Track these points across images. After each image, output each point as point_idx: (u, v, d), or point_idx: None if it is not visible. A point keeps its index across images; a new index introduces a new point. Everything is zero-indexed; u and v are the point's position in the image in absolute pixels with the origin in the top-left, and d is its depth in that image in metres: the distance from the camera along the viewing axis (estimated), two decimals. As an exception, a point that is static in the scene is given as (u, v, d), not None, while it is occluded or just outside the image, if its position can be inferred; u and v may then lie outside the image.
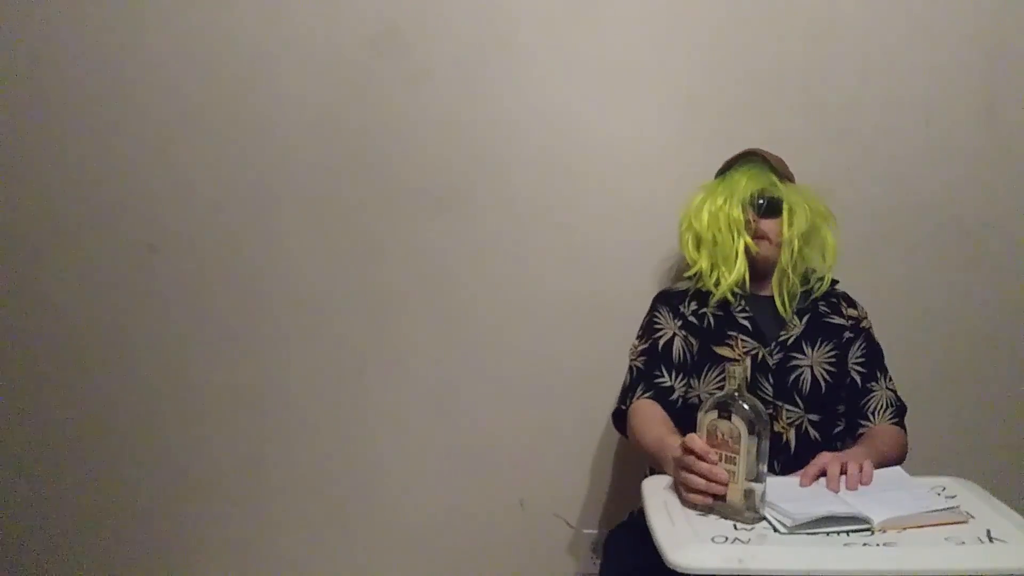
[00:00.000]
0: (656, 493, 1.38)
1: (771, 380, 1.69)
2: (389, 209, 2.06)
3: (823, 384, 1.70)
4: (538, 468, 2.15)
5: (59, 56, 2.01)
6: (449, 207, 2.06)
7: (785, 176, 1.79)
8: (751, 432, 1.28)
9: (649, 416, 1.64)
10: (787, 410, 1.68)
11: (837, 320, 1.77)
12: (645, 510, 1.33)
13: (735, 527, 1.25)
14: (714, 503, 1.30)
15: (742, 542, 1.19)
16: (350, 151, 2.04)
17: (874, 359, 1.76)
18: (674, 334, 1.74)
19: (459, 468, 2.14)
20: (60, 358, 2.10)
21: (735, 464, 1.28)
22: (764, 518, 1.28)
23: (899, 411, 1.73)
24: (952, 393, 2.07)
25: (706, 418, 1.32)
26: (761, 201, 1.73)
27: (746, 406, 1.29)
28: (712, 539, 1.20)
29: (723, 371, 1.68)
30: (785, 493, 1.34)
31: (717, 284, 1.73)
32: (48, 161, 2.04)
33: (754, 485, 1.28)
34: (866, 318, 1.80)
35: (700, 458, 1.30)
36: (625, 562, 1.66)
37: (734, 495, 1.28)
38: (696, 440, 1.32)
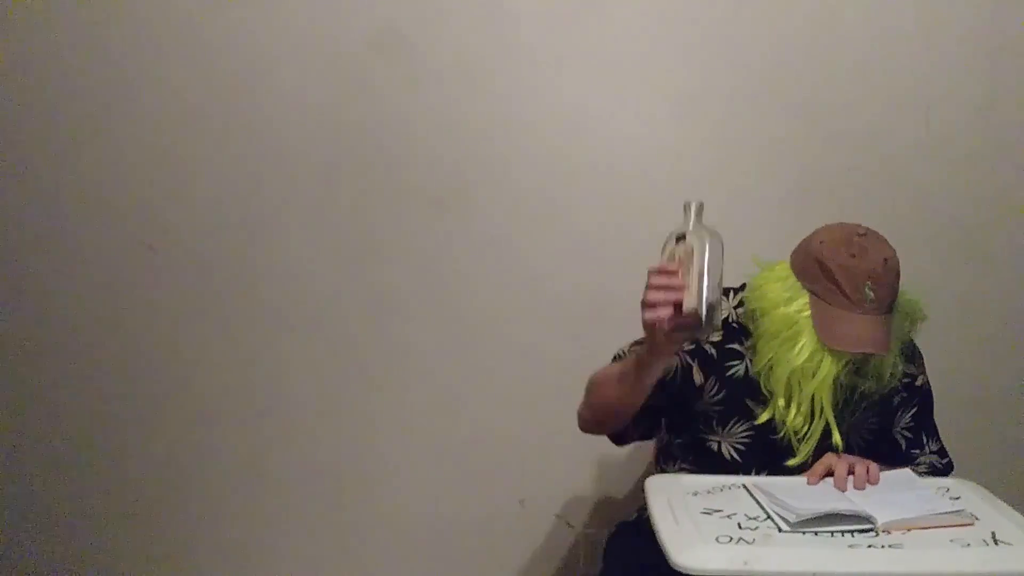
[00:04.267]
0: (659, 492, 1.38)
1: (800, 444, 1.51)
2: (389, 209, 2.06)
3: (856, 452, 1.51)
4: (538, 468, 2.15)
5: (58, 55, 2.01)
6: (450, 207, 2.06)
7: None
8: (702, 247, 1.28)
9: (604, 368, 1.56)
10: None
11: (891, 383, 1.55)
12: (649, 510, 1.33)
13: (739, 526, 1.25)
14: (673, 315, 1.28)
15: (747, 543, 1.19)
16: (350, 151, 2.04)
17: (923, 422, 1.62)
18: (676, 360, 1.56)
19: (459, 468, 2.14)
20: (60, 358, 2.09)
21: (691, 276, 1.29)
22: (719, 329, 1.34)
23: (935, 471, 1.59)
24: (954, 394, 2.07)
25: (666, 249, 1.34)
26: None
27: (701, 228, 1.30)
28: (716, 539, 1.20)
29: (751, 427, 1.53)
30: (790, 491, 1.34)
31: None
32: (48, 161, 2.03)
33: (709, 292, 1.27)
34: (923, 372, 1.62)
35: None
36: (627, 562, 1.64)
37: (689, 301, 1.27)
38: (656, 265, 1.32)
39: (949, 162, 2.08)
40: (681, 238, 1.32)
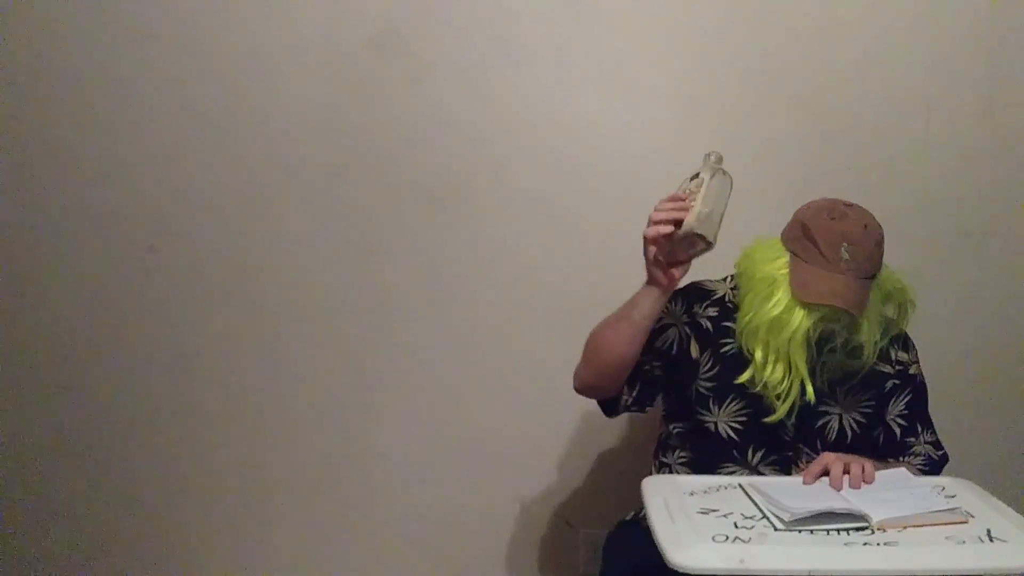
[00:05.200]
0: (656, 492, 1.38)
1: (794, 422, 1.57)
2: (389, 209, 2.06)
3: (850, 433, 1.59)
4: (538, 468, 2.15)
5: (59, 56, 2.01)
6: (449, 206, 2.06)
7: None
8: (710, 177, 1.42)
9: (598, 326, 1.59)
10: (807, 454, 1.58)
11: (883, 368, 1.61)
12: (645, 509, 1.33)
13: (735, 525, 1.24)
14: (673, 231, 1.39)
15: (743, 541, 1.18)
16: (350, 151, 2.05)
17: (917, 410, 1.65)
18: (673, 324, 1.63)
19: (459, 468, 2.15)
20: (60, 358, 2.10)
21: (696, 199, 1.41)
22: (712, 244, 1.40)
23: (931, 462, 1.63)
24: (952, 392, 2.07)
25: (680, 187, 1.45)
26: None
27: (714, 167, 1.43)
28: (713, 538, 1.19)
29: (747, 404, 1.57)
30: (786, 490, 1.34)
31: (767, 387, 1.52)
32: (48, 161, 2.04)
33: (712, 210, 1.39)
34: (916, 363, 1.66)
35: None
36: (626, 562, 1.65)
37: (691, 217, 1.38)
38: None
39: (949, 162, 2.08)
40: (695, 176, 1.44)
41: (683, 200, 1.41)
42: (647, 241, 1.44)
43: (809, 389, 1.50)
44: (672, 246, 1.43)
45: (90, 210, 2.05)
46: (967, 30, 2.05)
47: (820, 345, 1.52)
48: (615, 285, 2.06)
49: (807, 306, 1.46)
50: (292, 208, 2.06)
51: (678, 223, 1.39)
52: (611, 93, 2.05)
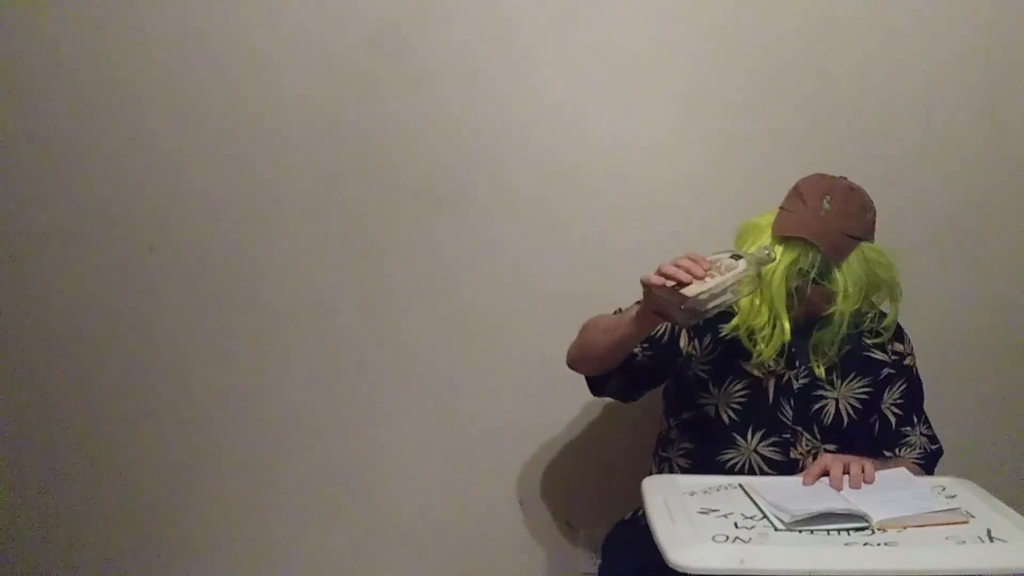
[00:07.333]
0: (656, 492, 1.38)
1: (792, 404, 1.63)
2: (389, 209, 2.06)
3: (845, 419, 1.63)
4: (538, 468, 2.15)
5: (58, 55, 2.01)
6: (449, 207, 2.06)
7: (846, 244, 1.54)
8: (742, 269, 1.39)
9: (600, 316, 1.65)
10: (806, 438, 1.62)
11: (879, 355, 1.67)
12: (645, 509, 1.33)
13: (735, 525, 1.24)
14: (670, 289, 1.37)
15: (743, 541, 1.19)
16: (350, 151, 2.04)
17: (913, 401, 1.69)
18: None
19: (459, 468, 2.14)
20: (60, 358, 2.10)
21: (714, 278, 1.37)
22: (697, 323, 1.46)
23: (927, 455, 1.67)
24: (952, 393, 2.07)
25: (716, 253, 1.43)
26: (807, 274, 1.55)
27: (755, 263, 1.42)
28: (713, 538, 1.20)
29: (746, 386, 1.63)
30: (786, 491, 1.34)
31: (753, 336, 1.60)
32: (48, 161, 2.04)
33: (714, 295, 1.36)
34: (911, 354, 1.72)
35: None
36: (625, 562, 1.66)
37: (692, 288, 1.35)
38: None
39: (949, 162, 2.08)
40: (737, 257, 1.42)
41: (703, 266, 1.38)
42: (642, 283, 1.43)
43: (786, 325, 1.54)
44: (661, 299, 1.41)
45: (90, 210, 2.05)
46: (967, 30, 2.05)
47: (799, 294, 1.56)
48: (614, 286, 2.06)
49: (784, 240, 1.53)
50: (292, 208, 2.06)
51: (682, 283, 1.37)
52: (611, 94, 2.04)
